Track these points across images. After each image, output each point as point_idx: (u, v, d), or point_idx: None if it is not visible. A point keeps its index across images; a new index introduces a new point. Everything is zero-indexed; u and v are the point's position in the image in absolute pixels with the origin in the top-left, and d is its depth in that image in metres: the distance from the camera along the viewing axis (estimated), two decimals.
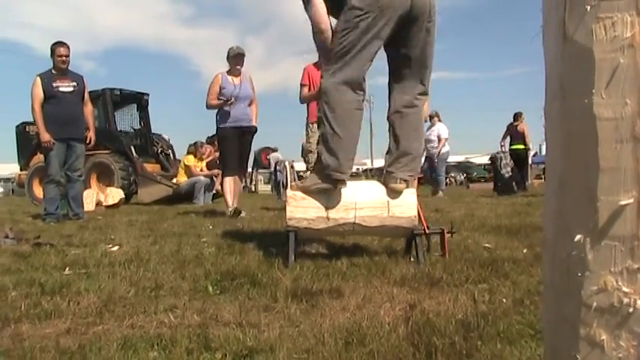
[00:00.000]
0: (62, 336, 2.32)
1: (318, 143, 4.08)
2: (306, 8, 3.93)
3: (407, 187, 3.97)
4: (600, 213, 0.83)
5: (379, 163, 45.66)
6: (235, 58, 8.11)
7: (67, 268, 3.76)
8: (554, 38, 0.90)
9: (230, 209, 8.07)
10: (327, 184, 3.86)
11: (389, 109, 4.15)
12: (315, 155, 6.84)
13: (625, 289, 0.81)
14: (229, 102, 7.86)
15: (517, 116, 15.63)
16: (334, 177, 3.83)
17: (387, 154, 4.21)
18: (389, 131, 4.15)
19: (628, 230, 0.81)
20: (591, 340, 0.84)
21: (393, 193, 3.91)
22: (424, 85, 4.06)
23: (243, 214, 8.12)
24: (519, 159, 14.76)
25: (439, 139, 14.84)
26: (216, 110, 8.09)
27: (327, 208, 3.83)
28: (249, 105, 8.25)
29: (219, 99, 7.95)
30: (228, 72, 8.16)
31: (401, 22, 3.78)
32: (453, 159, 57.57)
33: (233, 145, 8.11)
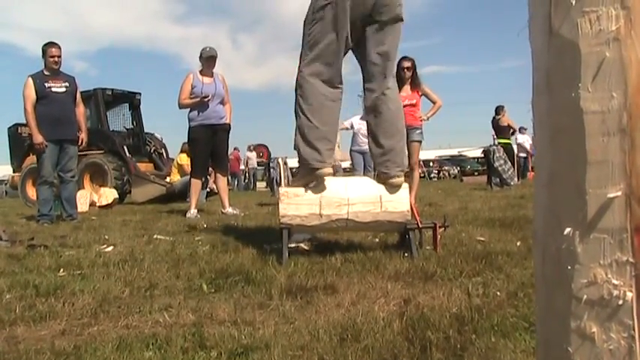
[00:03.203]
0: (57, 337, 2.33)
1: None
2: None
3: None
4: (589, 206, 0.83)
5: None
6: (208, 60, 8.16)
7: (62, 270, 3.76)
8: (540, 32, 0.90)
9: (191, 212, 8.03)
10: (311, 177, 3.92)
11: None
12: None
13: (614, 281, 0.81)
14: (207, 98, 7.89)
15: (498, 110, 15.52)
16: (316, 167, 3.86)
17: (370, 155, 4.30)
18: (367, 132, 4.20)
19: (616, 223, 0.81)
20: (582, 333, 0.85)
21: (392, 188, 3.93)
22: (389, 78, 4.06)
23: (236, 212, 8.12)
24: (506, 153, 14.59)
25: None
26: (188, 110, 8.11)
27: (319, 205, 3.83)
28: (222, 104, 8.26)
29: (190, 98, 7.99)
30: (201, 72, 8.18)
31: (366, 17, 3.82)
32: (446, 152, 57.68)
33: (203, 147, 8.13)
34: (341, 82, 3.97)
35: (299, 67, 3.97)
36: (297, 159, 4.07)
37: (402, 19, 3.90)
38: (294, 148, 4.02)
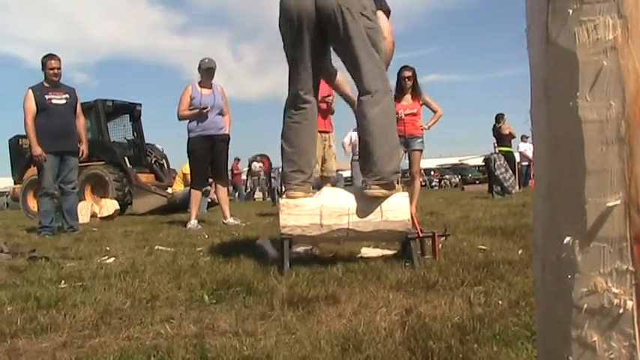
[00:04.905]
0: (59, 350, 2.32)
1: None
2: None
3: (389, 190, 3.88)
4: (588, 215, 0.83)
5: None
6: (207, 72, 8.19)
7: (63, 282, 3.75)
8: (537, 42, 0.91)
9: (191, 223, 8.04)
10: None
11: None
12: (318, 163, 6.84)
13: (615, 290, 0.81)
14: (206, 110, 7.92)
15: (499, 118, 15.54)
16: (289, 187, 4.05)
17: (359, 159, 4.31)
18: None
19: (616, 231, 0.81)
20: (583, 342, 0.85)
21: (374, 199, 3.86)
22: (365, 86, 3.82)
23: (237, 222, 8.12)
24: (507, 161, 14.52)
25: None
26: (188, 121, 8.13)
27: (320, 215, 3.82)
28: (221, 115, 8.27)
29: (189, 109, 8.02)
30: (200, 83, 8.20)
31: (319, 28, 3.81)
32: (447, 161, 57.81)
33: (201, 158, 8.16)
34: (304, 101, 4.00)
35: None
36: None
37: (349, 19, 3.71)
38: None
